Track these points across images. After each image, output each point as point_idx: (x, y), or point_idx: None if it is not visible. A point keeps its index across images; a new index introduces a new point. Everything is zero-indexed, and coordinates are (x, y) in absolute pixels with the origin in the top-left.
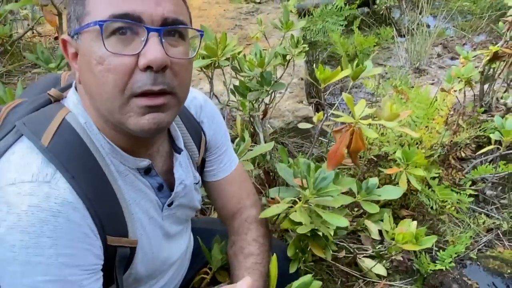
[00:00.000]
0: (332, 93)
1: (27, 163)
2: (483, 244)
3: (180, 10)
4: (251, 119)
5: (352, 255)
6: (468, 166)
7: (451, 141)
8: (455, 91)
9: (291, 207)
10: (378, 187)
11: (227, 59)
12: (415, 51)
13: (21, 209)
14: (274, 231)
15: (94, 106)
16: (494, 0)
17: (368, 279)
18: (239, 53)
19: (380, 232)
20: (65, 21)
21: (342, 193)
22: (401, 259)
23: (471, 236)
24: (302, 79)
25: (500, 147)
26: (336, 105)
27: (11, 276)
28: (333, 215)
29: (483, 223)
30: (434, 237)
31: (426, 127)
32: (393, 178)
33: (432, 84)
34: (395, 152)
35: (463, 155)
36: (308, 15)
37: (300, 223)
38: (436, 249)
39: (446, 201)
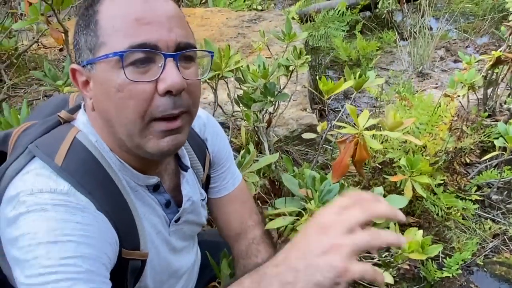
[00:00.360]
0: (336, 99)
1: (43, 179)
2: (489, 250)
3: (188, 33)
4: (256, 129)
5: None
6: (473, 171)
7: (455, 147)
8: (458, 96)
9: (298, 219)
10: (384, 195)
11: (231, 70)
12: (417, 54)
13: (46, 206)
14: (280, 243)
15: (110, 130)
16: (497, 1)
17: (375, 287)
18: (242, 66)
19: None
20: (71, 40)
21: None
22: (408, 267)
23: (477, 242)
24: (305, 86)
25: (504, 152)
26: (340, 113)
27: (30, 265)
28: None
29: (489, 228)
30: (440, 245)
31: (430, 133)
32: (398, 185)
33: (436, 88)
34: (399, 158)
35: (468, 160)
36: (310, 21)
37: None
38: (443, 256)
39: (452, 207)
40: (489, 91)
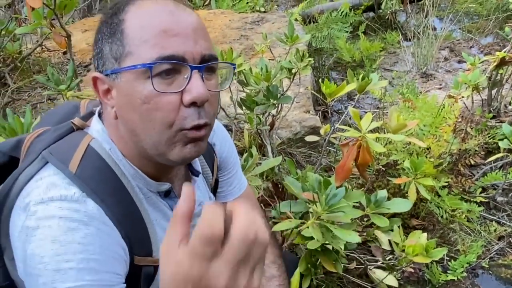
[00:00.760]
0: (339, 100)
1: (55, 185)
2: (494, 253)
3: (211, 45)
4: (259, 131)
5: (362, 266)
6: (478, 173)
7: (460, 149)
8: (462, 97)
9: (303, 222)
10: (388, 198)
11: (234, 73)
12: (421, 55)
13: (52, 221)
14: (286, 247)
15: (133, 139)
16: (501, 1)
17: None
18: (245, 69)
19: (390, 242)
20: (76, 39)
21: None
22: (412, 270)
23: (482, 245)
24: (308, 88)
25: (509, 154)
26: (344, 116)
27: None
28: (344, 232)
29: (495, 230)
30: (444, 249)
31: (433, 135)
32: (402, 188)
33: (440, 89)
34: (403, 160)
35: (473, 162)
36: (313, 22)
37: (310, 238)
38: (448, 258)
39: (456, 209)
40: (493, 92)
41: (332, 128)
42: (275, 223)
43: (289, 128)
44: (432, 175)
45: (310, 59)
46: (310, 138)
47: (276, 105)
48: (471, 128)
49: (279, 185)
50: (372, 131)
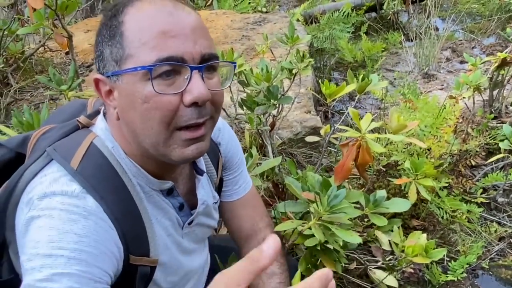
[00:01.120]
0: (341, 100)
1: (57, 181)
2: (495, 253)
3: (211, 43)
4: (259, 132)
5: (363, 266)
6: (478, 173)
7: (461, 149)
8: (463, 98)
9: (304, 223)
10: (388, 198)
11: (234, 74)
12: (423, 55)
13: (53, 211)
14: (287, 247)
15: (135, 140)
16: (503, 1)
17: None
18: (245, 69)
19: (390, 242)
20: (78, 39)
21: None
22: (412, 270)
23: (482, 246)
24: (309, 89)
25: (510, 155)
26: (344, 116)
27: (28, 274)
28: (345, 232)
29: (495, 231)
30: (444, 249)
31: (434, 136)
32: (402, 188)
33: (441, 89)
34: (404, 161)
35: (473, 163)
36: (315, 22)
37: (311, 237)
38: (448, 259)
39: (457, 210)
40: (495, 92)
41: (333, 128)
42: (275, 223)
43: (290, 128)
44: (433, 175)
45: (310, 59)
46: (310, 138)
47: (277, 105)
48: (472, 129)
49: (280, 185)
50: (372, 131)
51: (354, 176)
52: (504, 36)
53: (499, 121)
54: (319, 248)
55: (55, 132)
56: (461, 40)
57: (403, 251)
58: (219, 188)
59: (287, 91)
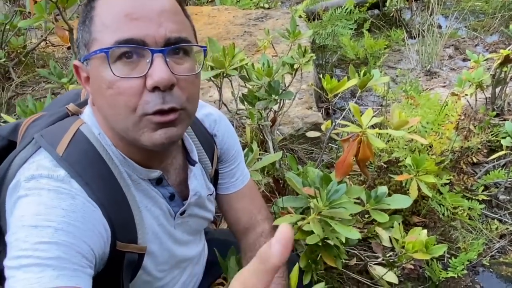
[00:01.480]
0: (343, 97)
1: (43, 167)
2: (496, 251)
3: (183, 27)
4: (260, 127)
5: (363, 262)
6: (480, 171)
7: (462, 146)
8: (466, 95)
9: (303, 217)
10: (389, 194)
11: (235, 68)
12: (426, 53)
13: (41, 191)
14: None
15: (108, 125)
16: None
17: (380, 287)
18: (247, 64)
19: (391, 239)
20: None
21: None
22: (412, 267)
23: (483, 243)
24: (311, 84)
25: None
26: (345, 111)
27: (13, 247)
28: (345, 228)
29: (496, 228)
30: (444, 245)
31: (436, 133)
32: (403, 185)
33: (444, 87)
34: (405, 158)
35: (475, 160)
36: (318, 19)
37: (311, 233)
38: (448, 256)
39: (458, 207)
40: (497, 90)
41: (334, 124)
42: (275, 218)
43: (291, 124)
44: (434, 172)
45: (312, 54)
46: (311, 134)
47: (278, 100)
48: (474, 126)
49: (280, 181)
50: (373, 127)
51: (355, 172)
52: (508, 33)
53: (501, 119)
54: (319, 243)
55: (45, 119)
56: (464, 38)
57: (403, 247)
58: (215, 180)
59: (288, 86)
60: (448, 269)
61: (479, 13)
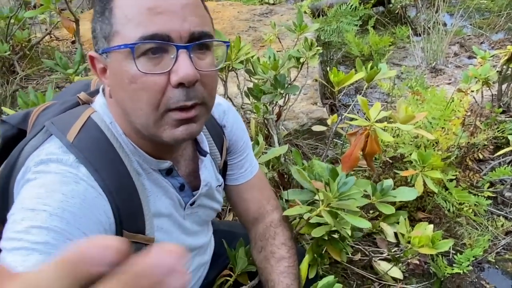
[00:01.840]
0: (347, 94)
1: (53, 153)
2: (501, 247)
3: (205, 21)
4: (265, 121)
5: (367, 258)
6: (486, 167)
7: (468, 142)
8: (472, 91)
9: (312, 209)
10: (394, 189)
11: (241, 62)
12: (431, 50)
13: (48, 174)
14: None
15: (127, 119)
16: None
17: (384, 282)
18: (252, 56)
19: (396, 234)
20: (85, 28)
21: None
22: (418, 262)
23: (489, 239)
24: (316, 80)
25: None
26: (351, 106)
27: (10, 228)
28: (355, 217)
29: (502, 225)
30: (450, 240)
31: (442, 128)
32: (409, 180)
33: (449, 84)
34: (411, 153)
35: (481, 156)
36: (323, 15)
37: (315, 227)
38: (453, 252)
39: (463, 203)
40: (504, 86)
41: (340, 118)
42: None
43: (296, 119)
44: (440, 168)
45: (318, 48)
46: (316, 128)
47: (283, 95)
48: (480, 122)
49: (285, 175)
50: (379, 122)
51: (360, 168)
52: None
53: (508, 115)
54: (326, 238)
55: (56, 108)
56: (469, 36)
57: (409, 242)
58: (223, 171)
59: (293, 80)
60: (454, 265)
61: (484, 11)
